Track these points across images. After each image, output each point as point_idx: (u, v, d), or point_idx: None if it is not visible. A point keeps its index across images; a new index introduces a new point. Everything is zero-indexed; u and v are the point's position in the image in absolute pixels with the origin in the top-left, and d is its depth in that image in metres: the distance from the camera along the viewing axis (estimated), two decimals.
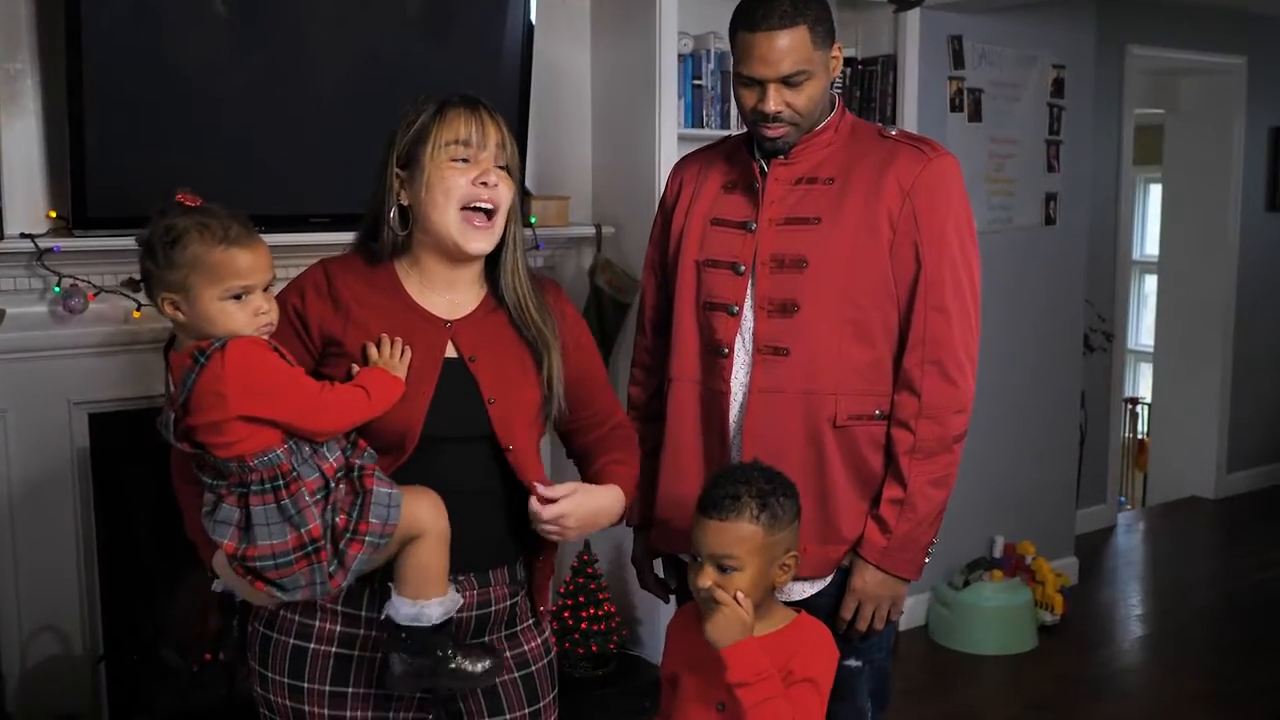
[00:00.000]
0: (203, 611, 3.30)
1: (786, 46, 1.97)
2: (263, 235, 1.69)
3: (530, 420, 1.80)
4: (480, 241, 1.75)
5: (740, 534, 1.77)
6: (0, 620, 2.91)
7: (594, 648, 3.51)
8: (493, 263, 1.82)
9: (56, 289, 2.84)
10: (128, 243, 2.80)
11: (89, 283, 2.87)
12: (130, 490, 3.09)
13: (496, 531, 1.78)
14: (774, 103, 1.99)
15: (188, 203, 1.64)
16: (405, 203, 1.76)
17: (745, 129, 2.15)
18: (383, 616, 1.68)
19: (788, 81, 1.98)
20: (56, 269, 2.83)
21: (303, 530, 1.60)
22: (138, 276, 1.67)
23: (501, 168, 1.76)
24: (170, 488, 3.10)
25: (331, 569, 1.61)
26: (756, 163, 2.10)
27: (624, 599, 3.67)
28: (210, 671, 3.22)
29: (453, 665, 1.67)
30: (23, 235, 2.78)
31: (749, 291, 2.07)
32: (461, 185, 1.72)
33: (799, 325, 2.02)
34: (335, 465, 1.64)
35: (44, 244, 2.78)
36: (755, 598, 1.79)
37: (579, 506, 1.76)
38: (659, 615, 3.56)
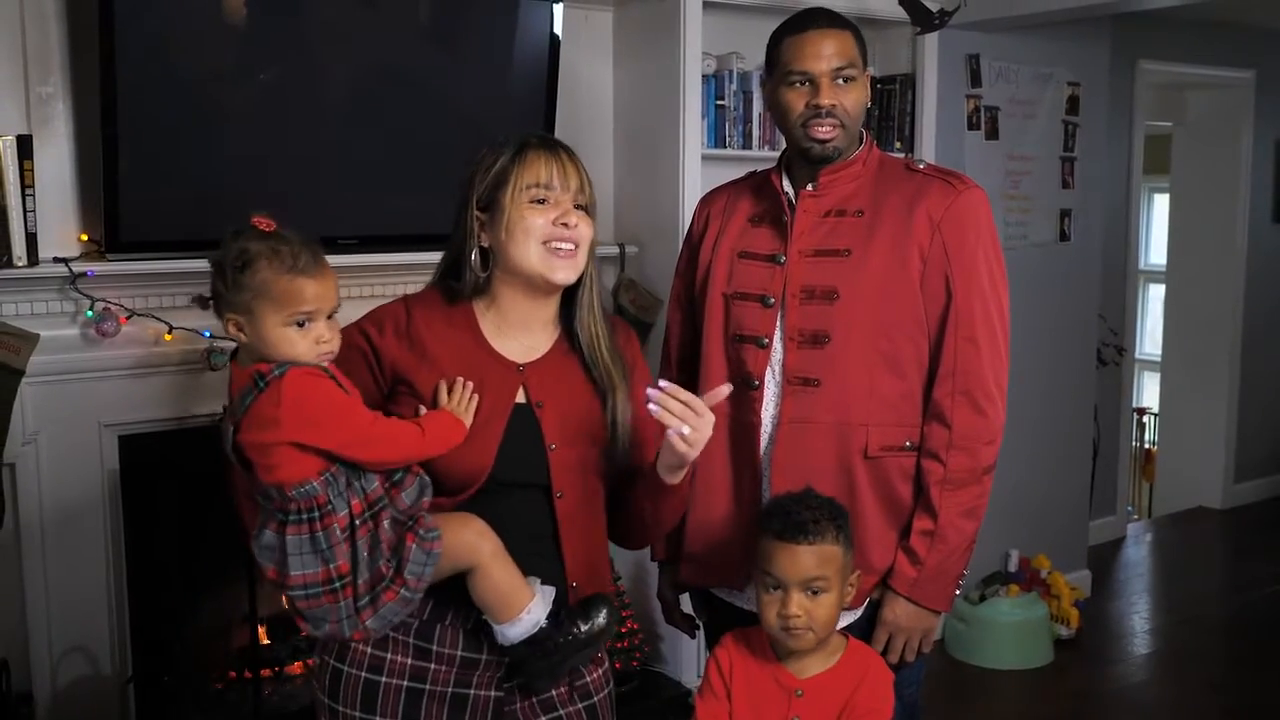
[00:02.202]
0: (229, 629, 3.32)
1: (836, 45, 2.03)
2: None
3: (592, 467, 1.80)
4: (565, 271, 1.76)
5: (828, 554, 1.81)
6: (30, 642, 2.93)
7: (617, 665, 3.52)
8: (567, 303, 1.84)
9: (89, 313, 2.85)
10: (160, 266, 2.88)
11: (121, 306, 2.89)
12: (160, 512, 3.11)
13: (554, 583, 1.78)
14: (828, 95, 2.01)
15: (263, 227, 1.65)
16: (486, 244, 1.78)
17: (760, 163, 2.19)
18: (501, 648, 1.72)
19: (838, 76, 2.02)
20: (89, 293, 2.84)
21: (331, 566, 1.62)
22: (208, 294, 1.69)
23: (580, 208, 1.77)
24: (198, 509, 3.14)
25: (361, 604, 1.63)
26: (785, 195, 2.12)
27: (646, 616, 3.68)
28: (235, 689, 3.25)
29: (581, 636, 1.71)
30: (56, 260, 2.80)
31: (778, 323, 2.08)
32: (541, 225, 1.73)
33: (830, 356, 2.03)
34: (369, 499, 1.65)
35: (77, 269, 2.80)
36: (837, 617, 1.84)
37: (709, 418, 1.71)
38: (680, 633, 3.58)
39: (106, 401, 2.96)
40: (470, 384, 1.74)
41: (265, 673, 3.23)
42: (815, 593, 1.81)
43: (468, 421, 1.71)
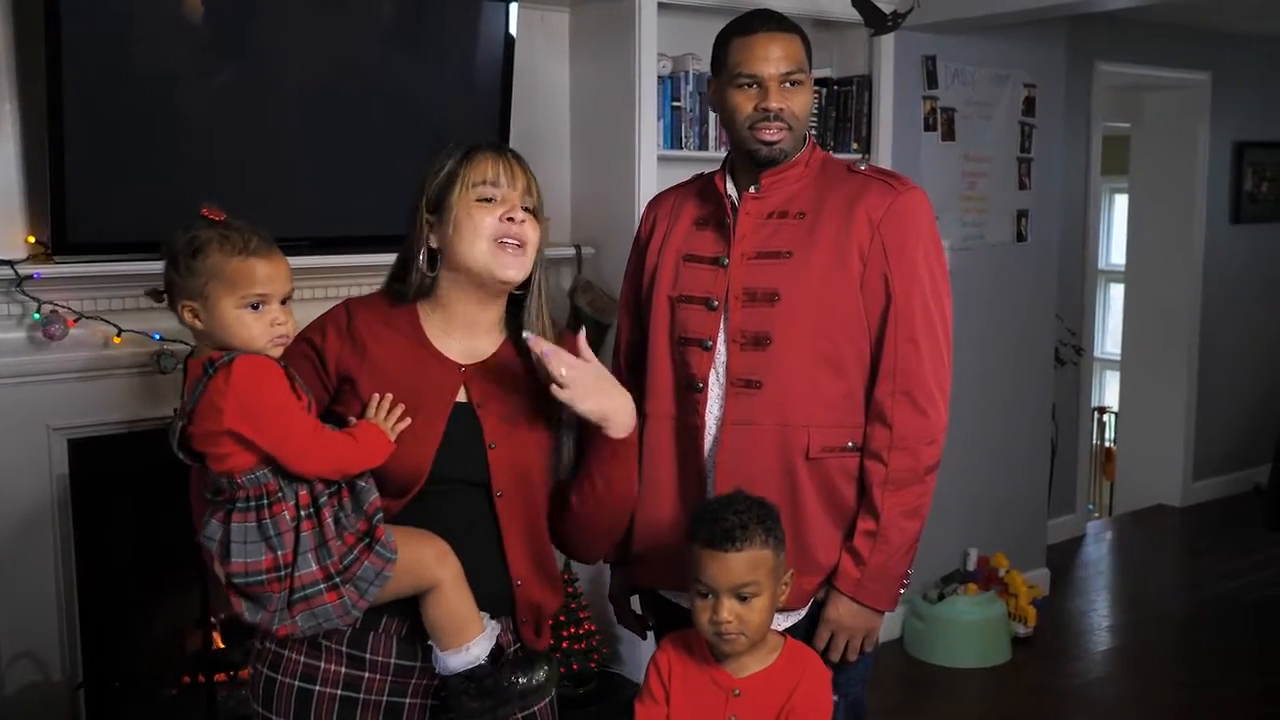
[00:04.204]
0: (181, 635, 3.30)
1: (785, 48, 2.04)
2: None
3: (536, 468, 1.81)
4: (514, 268, 1.76)
5: (758, 559, 1.81)
6: None
7: (574, 666, 3.52)
8: (513, 307, 1.84)
9: (36, 315, 2.82)
10: (109, 268, 2.86)
11: (69, 309, 2.86)
12: (110, 516, 3.08)
13: (498, 580, 1.78)
14: (776, 99, 2.02)
15: (212, 216, 1.68)
16: (434, 245, 1.79)
17: (716, 164, 2.20)
18: (437, 677, 1.72)
19: (786, 80, 2.03)
20: (36, 295, 2.82)
21: (278, 553, 1.61)
22: (160, 287, 1.71)
23: (527, 209, 1.78)
24: (149, 512, 3.11)
25: (295, 598, 1.62)
26: (728, 198, 2.13)
27: (604, 617, 3.67)
28: (188, 694, 3.22)
29: (519, 687, 1.71)
30: (1, 262, 2.77)
31: (722, 326, 2.09)
32: (489, 223, 1.75)
33: (771, 358, 2.04)
34: (315, 493, 1.65)
35: (23, 270, 2.77)
36: (770, 619, 1.85)
37: (588, 365, 1.75)
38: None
39: (55, 405, 2.93)
40: (401, 405, 1.73)
41: (220, 677, 3.21)
42: (746, 598, 1.81)
43: (392, 437, 1.71)
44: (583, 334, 1.78)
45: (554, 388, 1.72)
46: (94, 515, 3.05)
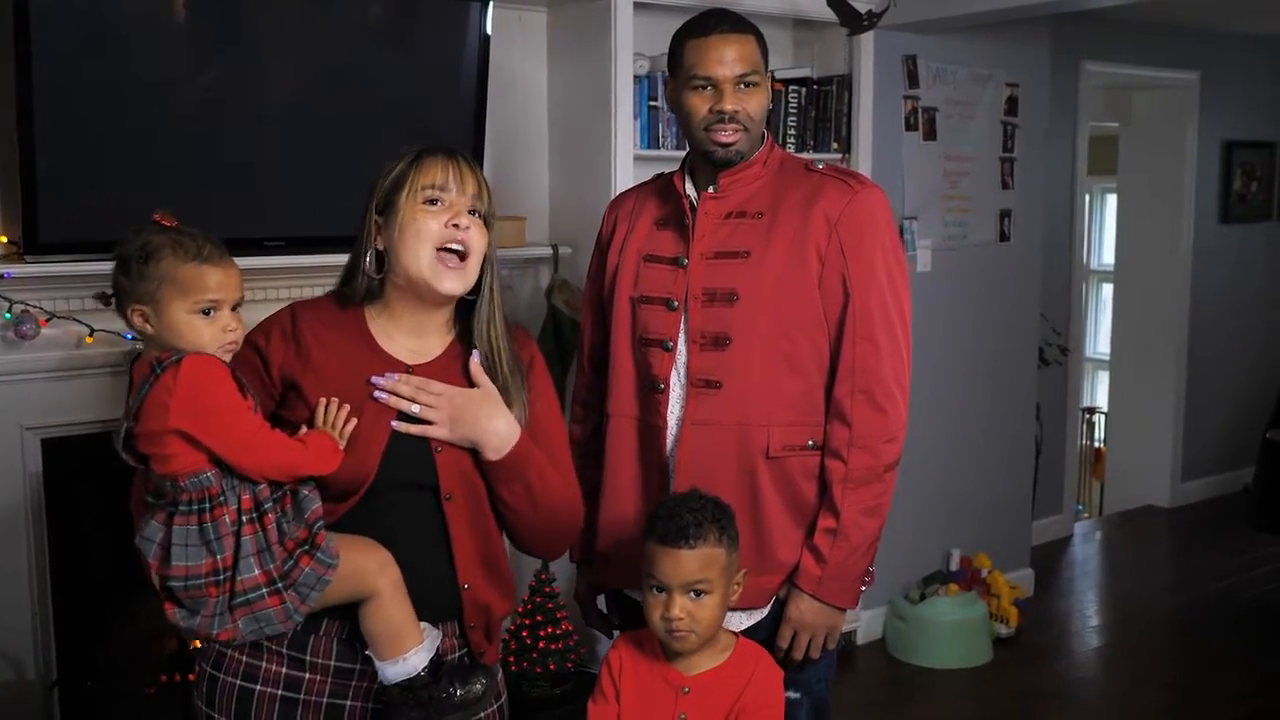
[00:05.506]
0: (157, 635, 3.29)
1: (739, 50, 2.04)
2: None
3: (483, 471, 1.79)
4: (451, 281, 1.76)
5: (711, 557, 1.83)
6: None
7: (551, 666, 3.52)
8: (463, 310, 1.84)
9: (8, 315, 2.83)
10: (80, 268, 2.86)
11: (41, 308, 2.86)
12: (84, 515, 3.08)
13: (446, 584, 1.78)
14: (731, 101, 2.02)
15: (164, 223, 1.69)
16: (381, 247, 1.78)
17: (679, 163, 2.20)
18: (376, 685, 1.72)
19: (741, 82, 2.03)
20: (7, 295, 2.82)
21: (218, 557, 1.61)
22: (109, 291, 1.71)
23: (475, 214, 1.78)
24: (123, 511, 3.10)
25: (236, 602, 1.62)
26: (686, 198, 2.13)
27: (581, 618, 3.68)
28: (163, 694, 3.22)
29: (456, 697, 1.71)
30: None
31: (682, 326, 2.09)
32: (433, 227, 1.74)
33: (731, 358, 2.05)
34: (258, 498, 1.64)
35: None
36: (722, 618, 1.86)
37: (455, 392, 1.76)
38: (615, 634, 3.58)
39: (28, 404, 2.94)
40: (346, 406, 1.73)
41: (193, 677, 3.20)
42: (698, 594, 1.83)
43: (343, 443, 1.71)
44: (476, 356, 1.79)
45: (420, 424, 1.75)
46: (68, 514, 3.05)
